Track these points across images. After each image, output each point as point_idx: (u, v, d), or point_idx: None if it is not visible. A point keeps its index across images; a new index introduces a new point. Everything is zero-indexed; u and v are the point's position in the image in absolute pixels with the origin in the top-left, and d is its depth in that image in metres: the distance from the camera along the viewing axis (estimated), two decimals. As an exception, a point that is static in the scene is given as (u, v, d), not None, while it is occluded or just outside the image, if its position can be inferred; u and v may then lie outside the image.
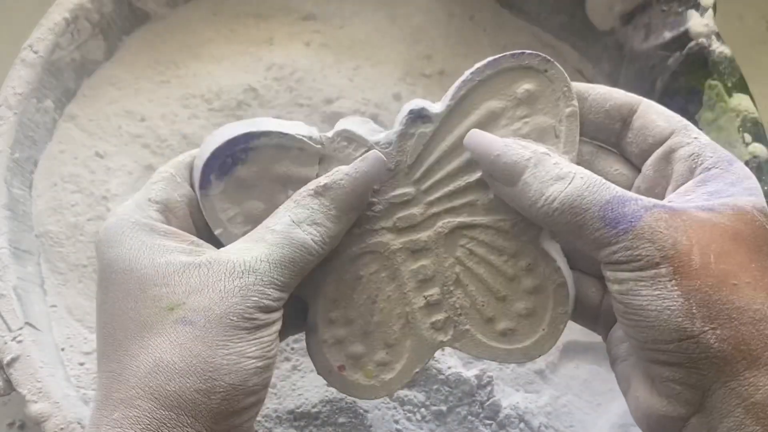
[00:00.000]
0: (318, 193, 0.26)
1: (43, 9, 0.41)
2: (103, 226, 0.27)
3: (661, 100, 0.41)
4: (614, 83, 0.44)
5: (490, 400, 0.37)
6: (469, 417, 0.37)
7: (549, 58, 0.27)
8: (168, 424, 0.23)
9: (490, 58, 0.27)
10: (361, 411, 0.37)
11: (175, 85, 0.44)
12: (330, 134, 0.27)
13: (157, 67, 0.44)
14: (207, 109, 0.43)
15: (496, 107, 0.27)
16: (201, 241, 0.27)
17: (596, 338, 0.42)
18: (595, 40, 0.44)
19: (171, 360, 0.23)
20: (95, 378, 0.36)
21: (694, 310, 0.23)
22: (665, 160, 0.27)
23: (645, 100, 0.28)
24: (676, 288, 0.23)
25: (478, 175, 0.27)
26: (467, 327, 0.28)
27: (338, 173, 0.26)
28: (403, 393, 0.37)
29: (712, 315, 0.22)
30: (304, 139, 0.27)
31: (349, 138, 0.27)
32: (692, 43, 0.39)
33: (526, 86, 0.27)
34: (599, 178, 0.25)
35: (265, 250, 0.25)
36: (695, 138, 0.27)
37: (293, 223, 0.26)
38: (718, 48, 0.38)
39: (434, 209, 0.28)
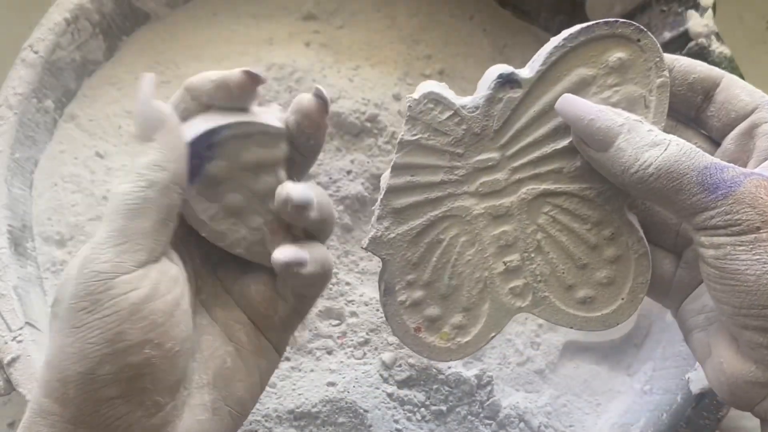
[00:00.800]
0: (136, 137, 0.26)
1: (43, 9, 0.41)
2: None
3: (660, 100, 0.41)
4: (614, 83, 0.44)
5: (490, 400, 0.37)
6: (469, 417, 0.37)
7: (643, 27, 0.27)
8: (45, 410, 0.23)
9: (583, 25, 0.27)
10: (361, 411, 0.37)
11: (175, 85, 0.44)
12: (416, 96, 0.27)
13: (157, 67, 0.44)
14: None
15: (587, 74, 0.27)
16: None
17: (596, 338, 0.42)
18: (595, 40, 0.44)
19: (49, 353, 0.24)
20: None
21: None
22: (748, 135, 0.27)
23: (728, 74, 0.28)
24: None
25: (565, 142, 0.27)
26: (546, 294, 0.28)
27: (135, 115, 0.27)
28: (403, 393, 0.37)
29: None
30: (263, 122, 0.27)
31: (436, 100, 0.27)
32: (692, 43, 0.39)
33: (618, 54, 0.27)
34: (694, 146, 0.25)
35: (103, 219, 0.24)
36: None
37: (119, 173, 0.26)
38: (718, 48, 0.38)
39: (518, 175, 0.28)
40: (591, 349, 0.41)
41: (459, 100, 0.27)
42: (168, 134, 0.26)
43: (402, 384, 0.38)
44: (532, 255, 0.28)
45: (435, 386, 0.37)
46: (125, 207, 0.24)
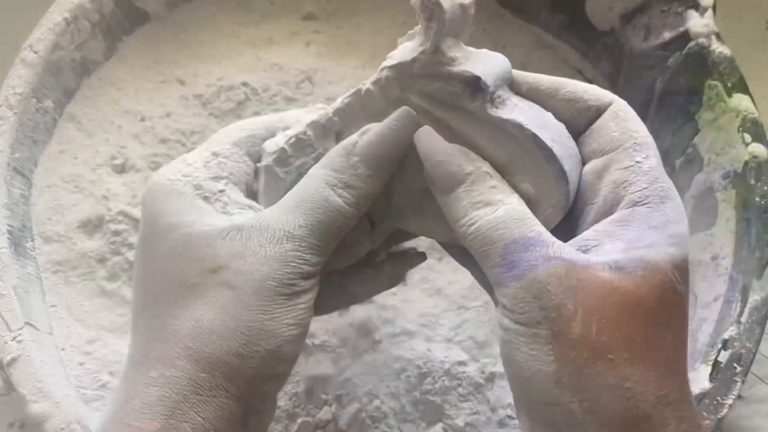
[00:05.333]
0: (349, 152, 0.26)
1: (43, 9, 0.41)
2: (153, 179, 0.27)
3: (661, 100, 0.41)
4: (614, 83, 0.44)
5: (492, 397, 0.37)
6: (469, 414, 0.37)
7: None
8: (204, 386, 0.23)
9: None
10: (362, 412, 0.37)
11: (175, 85, 0.44)
12: (266, 162, 0.28)
13: (157, 67, 0.44)
14: (207, 108, 0.43)
15: None
16: (251, 202, 0.27)
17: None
18: (595, 40, 0.44)
19: (211, 323, 0.23)
20: (95, 377, 0.37)
21: (565, 380, 0.22)
22: (597, 176, 0.26)
23: (618, 102, 0.27)
24: (551, 353, 0.22)
25: None
26: None
27: (369, 132, 0.26)
28: (406, 389, 0.37)
29: (582, 387, 0.22)
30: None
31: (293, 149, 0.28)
32: (692, 43, 0.39)
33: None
34: (524, 213, 0.24)
35: (303, 216, 0.25)
36: (637, 162, 0.25)
37: (327, 186, 0.26)
38: (718, 48, 0.38)
39: None
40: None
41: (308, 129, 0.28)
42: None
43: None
44: None
45: (435, 381, 0.37)
46: (337, 229, 0.26)
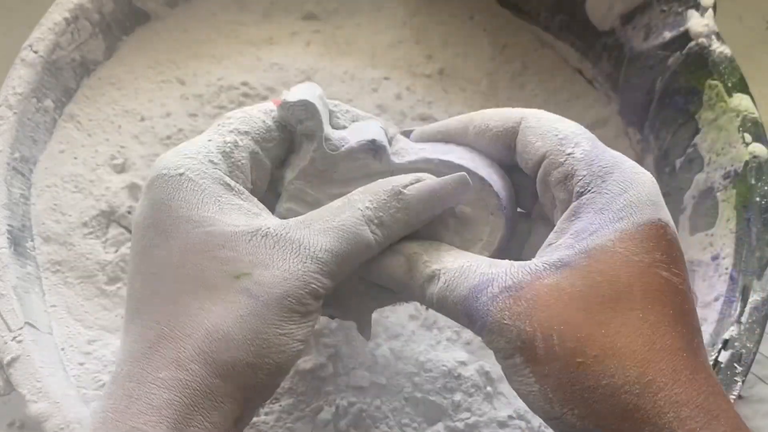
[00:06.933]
0: (396, 194, 0.26)
1: (43, 9, 0.41)
2: (161, 162, 0.26)
3: (661, 100, 0.41)
4: (614, 83, 0.44)
5: (492, 397, 0.37)
6: (469, 414, 0.37)
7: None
8: (216, 393, 0.23)
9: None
10: (365, 415, 0.37)
11: (175, 85, 0.44)
12: (291, 99, 0.29)
13: (157, 67, 0.44)
14: (207, 108, 0.43)
15: None
16: (262, 205, 0.27)
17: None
18: (595, 40, 0.44)
19: (229, 330, 0.23)
20: (95, 377, 0.37)
21: (550, 395, 0.23)
22: (544, 185, 0.26)
23: (527, 116, 0.27)
24: (531, 375, 0.23)
25: None
26: None
27: (423, 183, 0.27)
28: (406, 389, 0.37)
29: (566, 397, 0.22)
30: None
31: (311, 113, 0.29)
32: (692, 43, 0.39)
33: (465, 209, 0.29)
34: (462, 267, 0.25)
35: (331, 242, 0.25)
36: (568, 155, 0.25)
37: (362, 219, 0.26)
38: (718, 48, 0.38)
39: None
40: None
41: (327, 128, 0.28)
42: None
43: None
44: None
45: (435, 382, 0.37)
46: (358, 260, 0.26)
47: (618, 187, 0.24)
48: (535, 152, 0.26)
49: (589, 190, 0.24)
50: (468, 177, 0.27)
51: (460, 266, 0.25)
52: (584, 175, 0.24)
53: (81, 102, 0.43)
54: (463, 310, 0.24)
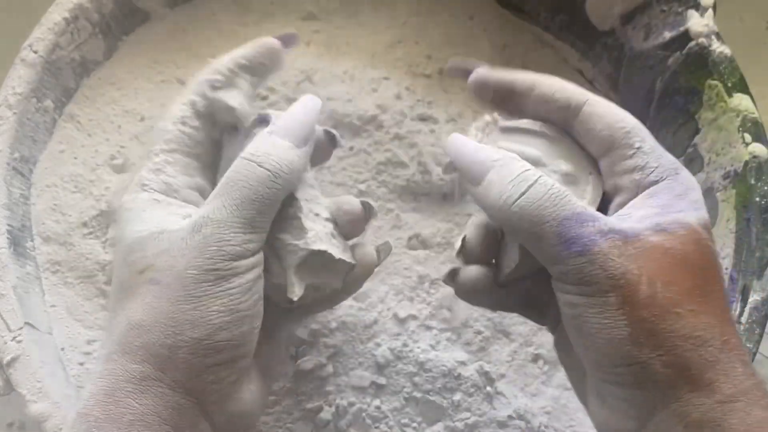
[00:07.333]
0: (271, 132, 0.27)
1: (43, 9, 0.41)
2: (119, 205, 0.29)
3: (661, 100, 0.41)
4: (614, 83, 0.44)
5: (492, 397, 0.37)
6: (469, 414, 0.37)
7: None
8: (136, 377, 0.24)
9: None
10: (367, 416, 0.37)
11: (175, 85, 0.44)
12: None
13: (156, 67, 0.44)
14: (207, 109, 0.43)
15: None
16: (195, 208, 0.28)
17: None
18: (595, 40, 0.44)
19: (140, 318, 0.24)
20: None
21: (641, 339, 0.23)
22: (610, 171, 0.27)
23: (592, 101, 0.28)
24: (624, 317, 0.23)
25: None
26: None
27: (282, 113, 0.29)
28: (406, 389, 0.37)
29: (657, 343, 0.23)
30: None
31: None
32: (692, 43, 0.39)
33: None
34: (562, 189, 0.25)
35: (222, 198, 0.25)
36: (638, 148, 0.26)
37: (245, 159, 0.26)
38: (718, 48, 0.38)
39: None
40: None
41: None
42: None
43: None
44: None
45: (435, 382, 0.37)
46: (261, 202, 0.26)
47: (689, 183, 0.26)
48: (602, 140, 0.27)
49: (665, 178, 0.26)
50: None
51: (563, 189, 0.25)
52: (656, 167, 0.26)
53: (81, 102, 0.43)
54: (557, 229, 0.24)
